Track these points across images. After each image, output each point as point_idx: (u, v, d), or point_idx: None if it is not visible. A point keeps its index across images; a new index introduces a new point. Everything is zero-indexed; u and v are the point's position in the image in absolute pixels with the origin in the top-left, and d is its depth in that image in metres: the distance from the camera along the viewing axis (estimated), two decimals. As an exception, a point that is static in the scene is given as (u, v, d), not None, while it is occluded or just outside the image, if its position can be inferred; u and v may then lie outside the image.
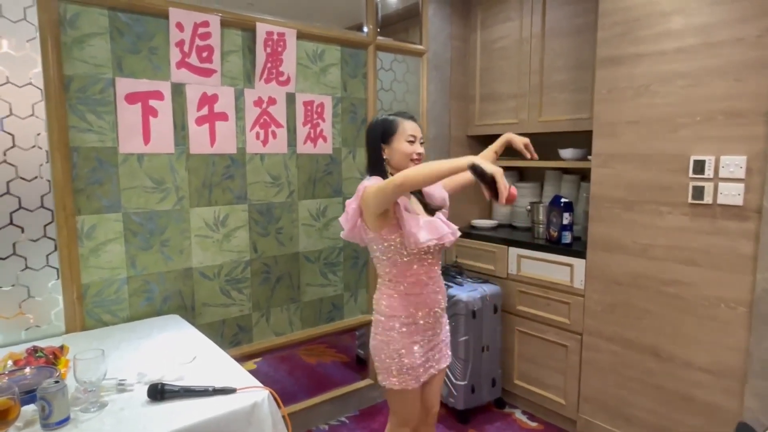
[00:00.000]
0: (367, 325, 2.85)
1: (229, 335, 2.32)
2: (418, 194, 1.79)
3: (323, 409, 2.70)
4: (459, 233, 1.74)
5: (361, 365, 3.22)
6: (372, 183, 1.61)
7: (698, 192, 1.99)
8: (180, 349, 1.70)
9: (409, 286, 1.68)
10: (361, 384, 2.87)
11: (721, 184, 1.93)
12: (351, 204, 1.66)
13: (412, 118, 1.73)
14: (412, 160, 1.68)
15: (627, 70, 2.19)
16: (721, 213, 1.95)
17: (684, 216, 2.05)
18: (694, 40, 1.98)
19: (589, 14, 2.51)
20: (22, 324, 1.80)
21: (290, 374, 3.19)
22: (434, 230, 1.61)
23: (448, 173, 1.45)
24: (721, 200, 1.93)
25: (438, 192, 1.84)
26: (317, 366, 3.31)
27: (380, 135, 1.70)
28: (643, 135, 2.16)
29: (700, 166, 1.98)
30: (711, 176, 1.95)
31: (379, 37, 2.70)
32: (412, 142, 1.68)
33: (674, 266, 2.10)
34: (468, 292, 2.65)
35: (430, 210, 1.75)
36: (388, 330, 1.69)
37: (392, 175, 1.68)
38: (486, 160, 1.41)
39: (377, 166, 1.71)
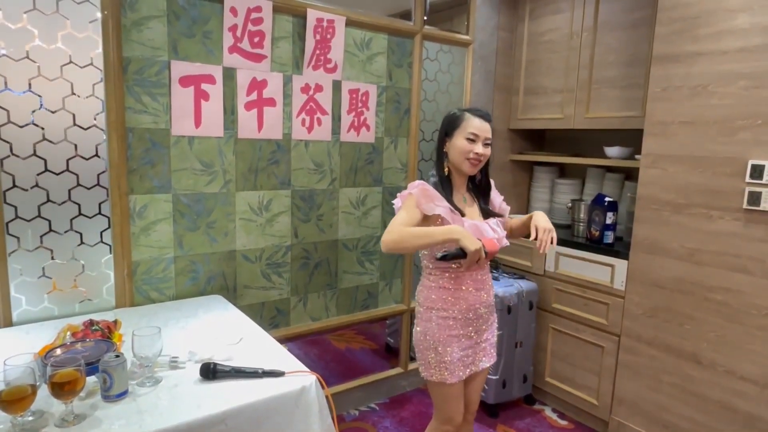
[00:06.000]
0: (400, 314, 2.87)
1: (267, 318, 2.36)
2: (482, 197, 1.75)
3: (354, 395, 2.74)
4: (506, 242, 1.70)
5: (390, 353, 3.24)
6: (407, 196, 1.62)
7: (755, 198, 1.93)
8: (226, 329, 1.74)
9: (447, 280, 1.67)
10: (391, 372, 2.90)
11: (780, 191, 1.87)
12: (398, 202, 1.68)
13: (483, 116, 1.64)
14: (467, 159, 1.62)
15: (684, 69, 2.12)
16: (778, 221, 1.89)
17: (737, 222, 1.99)
18: (760, 40, 1.90)
19: (646, 9, 2.43)
20: (76, 297, 1.86)
21: (320, 358, 3.23)
22: (478, 235, 1.59)
23: (431, 245, 1.57)
24: (778, 207, 1.87)
25: (498, 200, 1.82)
26: (346, 352, 3.35)
27: (445, 127, 1.68)
28: (698, 136, 2.09)
29: (758, 171, 1.91)
30: (769, 182, 1.89)
31: (426, 27, 2.67)
32: (471, 141, 1.61)
33: (723, 273, 2.04)
34: (504, 287, 2.63)
35: (486, 214, 1.72)
36: (426, 321, 1.70)
37: (448, 170, 1.68)
38: (470, 237, 1.49)
39: (437, 159, 1.71)
